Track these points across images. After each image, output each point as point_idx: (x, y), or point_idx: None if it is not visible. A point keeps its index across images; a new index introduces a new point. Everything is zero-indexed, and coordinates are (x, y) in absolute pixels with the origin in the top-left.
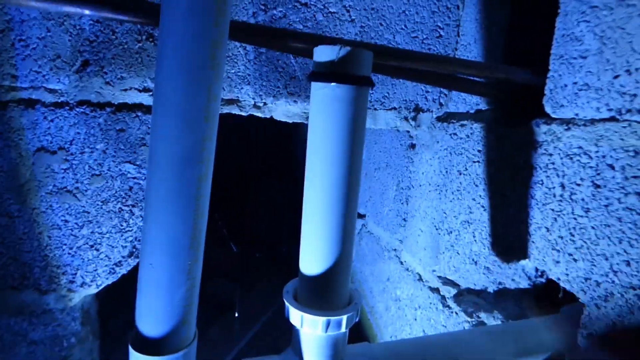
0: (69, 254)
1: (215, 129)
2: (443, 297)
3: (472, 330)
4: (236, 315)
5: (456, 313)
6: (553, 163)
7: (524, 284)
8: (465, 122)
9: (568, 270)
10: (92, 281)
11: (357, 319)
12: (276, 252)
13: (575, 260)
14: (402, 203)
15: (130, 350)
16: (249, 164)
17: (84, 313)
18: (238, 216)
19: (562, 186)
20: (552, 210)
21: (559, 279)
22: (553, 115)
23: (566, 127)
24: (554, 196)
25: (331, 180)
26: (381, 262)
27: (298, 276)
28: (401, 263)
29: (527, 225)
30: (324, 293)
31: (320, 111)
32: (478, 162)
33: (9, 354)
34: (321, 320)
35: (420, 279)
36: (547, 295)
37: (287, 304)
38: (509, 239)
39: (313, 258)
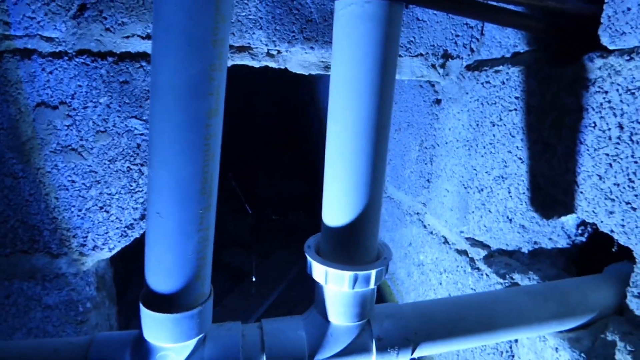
0: (78, 216)
1: (226, 59)
2: (472, 260)
3: (508, 290)
4: (253, 279)
5: (487, 275)
6: (609, 101)
7: (562, 243)
8: (500, 67)
9: (625, 220)
10: (104, 244)
11: (386, 276)
12: (292, 218)
13: (634, 209)
14: (425, 164)
15: (142, 307)
16: (263, 131)
17: (98, 278)
18: (252, 182)
19: (620, 127)
20: (607, 155)
21: (612, 231)
22: (611, 47)
23: (628, 58)
24: (609, 139)
25: (359, 116)
26: (402, 227)
27: (321, 230)
28: (424, 227)
29: (574, 175)
30: (351, 246)
31: (346, 35)
32: (515, 110)
33: (24, 318)
34: (348, 275)
35: (445, 241)
36: (587, 256)
37: (309, 258)
38: (551, 192)
39: (338, 207)
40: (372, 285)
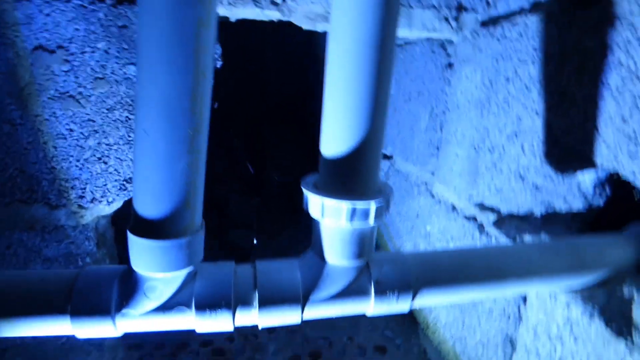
0: (77, 166)
1: None
2: (480, 225)
3: (518, 244)
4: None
5: (496, 239)
6: (638, 37)
7: (578, 205)
8: (517, 19)
9: None
10: (102, 197)
11: (387, 213)
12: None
13: None
14: (435, 131)
15: (129, 235)
16: (265, 105)
17: (98, 235)
18: (260, 161)
19: None
20: (632, 94)
21: (634, 173)
22: None
23: None
24: (636, 77)
25: (360, 33)
26: (410, 199)
27: (319, 166)
28: (432, 196)
29: (594, 121)
30: (350, 175)
31: None
32: (532, 62)
33: (24, 270)
34: (345, 206)
35: (454, 209)
36: (604, 222)
37: (305, 192)
38: (569, 142)
39: (336, 134)
40: (371, 222)
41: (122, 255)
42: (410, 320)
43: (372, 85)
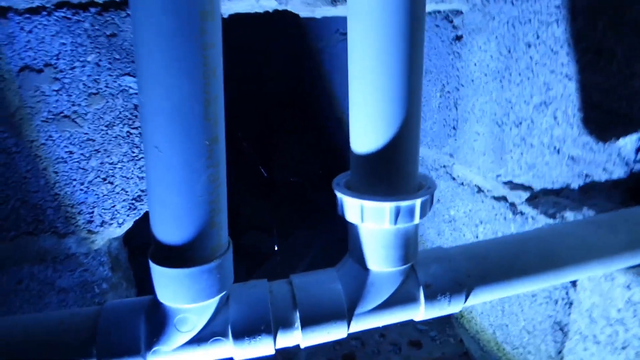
0: (81, 190)
1: None
2: (512, 205)
3: (568, 223)
4: (275, 248)
5: (532, 218)
6: None
7: (619, 172)
8: None
9: None
10: (112, 219)
11: (431, 209)
12: (310, 196)
13: None
14: (449, 109)
15: (151, 265)
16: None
17: (112, 258)
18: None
19: None
20: None
21: None
22: None
23: None
24: None
25: (389, 14)
26: None
27: (350, 165)
28: (453, 179)
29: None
30: (389, 172)
31: None
32: (556, 21)
33: (39, 304)
34: (388, 207)
35: (479, 190)
36: None
37: (338, 195)
38: (612, 106)
39: (370, 126)
40: (416, 220)
41: (137, 276)
42: None
43: (407, 64)
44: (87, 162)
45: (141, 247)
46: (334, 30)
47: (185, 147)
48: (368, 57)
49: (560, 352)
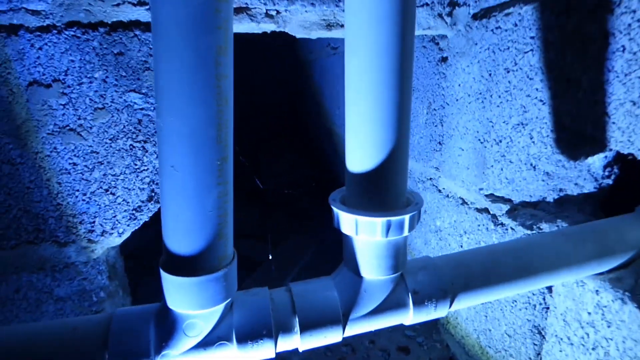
0: (83, 200)
1: None
2: (494, 216)
3: (542, 234)
4: (269, 257)
5: (512, 229)
6: (638, 20)
7: (589, 187)
8: (510, 9)
9: None
10: (112, 229)
11: (418, 222)
12: (301, 204)
13: None
14: (435, 126)
15: (162, 274)
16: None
17: (110, 267)
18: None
19: None
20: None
21: None
22: None
23: None
24: None
25: (382, 43)
26: None
27: (345, 182)
28: (439, 191)
29: (604, 106)
30: (380, 190)
31: None
32: (531, 50)
33: (36, 313)
34: (380, 222)
35: (463, 202)
36: (614, 200)
37: (335, 210)
38: (579, 128)
39: (363, 149)
40: (405, 233)
41: (132, 283)
42: None
43: (398, 93)
44: (91, 174)
45: (134, 254)
46: (325, 44)
47: (199, 167)
48: (363, 93)
49: (539, 354)
